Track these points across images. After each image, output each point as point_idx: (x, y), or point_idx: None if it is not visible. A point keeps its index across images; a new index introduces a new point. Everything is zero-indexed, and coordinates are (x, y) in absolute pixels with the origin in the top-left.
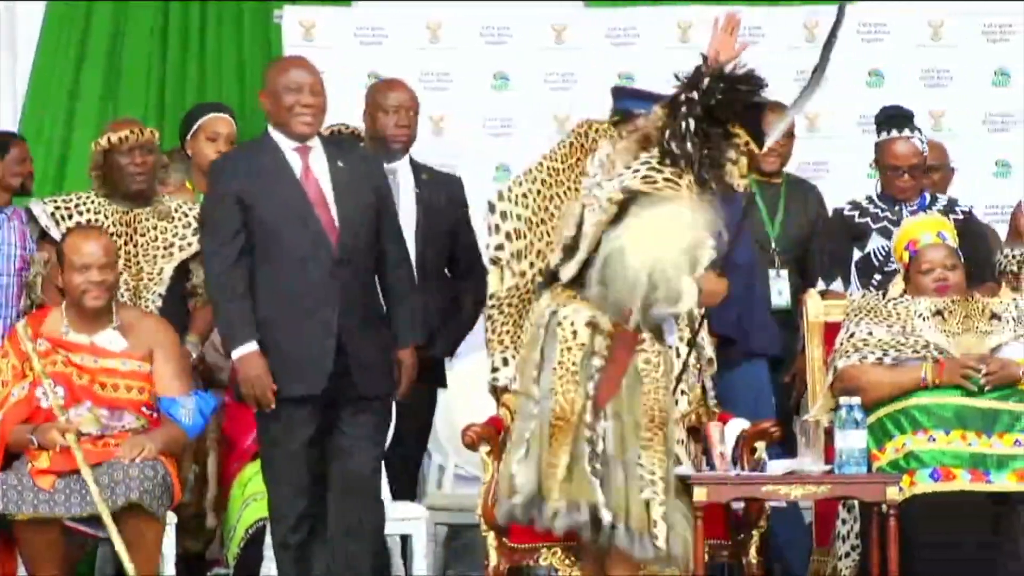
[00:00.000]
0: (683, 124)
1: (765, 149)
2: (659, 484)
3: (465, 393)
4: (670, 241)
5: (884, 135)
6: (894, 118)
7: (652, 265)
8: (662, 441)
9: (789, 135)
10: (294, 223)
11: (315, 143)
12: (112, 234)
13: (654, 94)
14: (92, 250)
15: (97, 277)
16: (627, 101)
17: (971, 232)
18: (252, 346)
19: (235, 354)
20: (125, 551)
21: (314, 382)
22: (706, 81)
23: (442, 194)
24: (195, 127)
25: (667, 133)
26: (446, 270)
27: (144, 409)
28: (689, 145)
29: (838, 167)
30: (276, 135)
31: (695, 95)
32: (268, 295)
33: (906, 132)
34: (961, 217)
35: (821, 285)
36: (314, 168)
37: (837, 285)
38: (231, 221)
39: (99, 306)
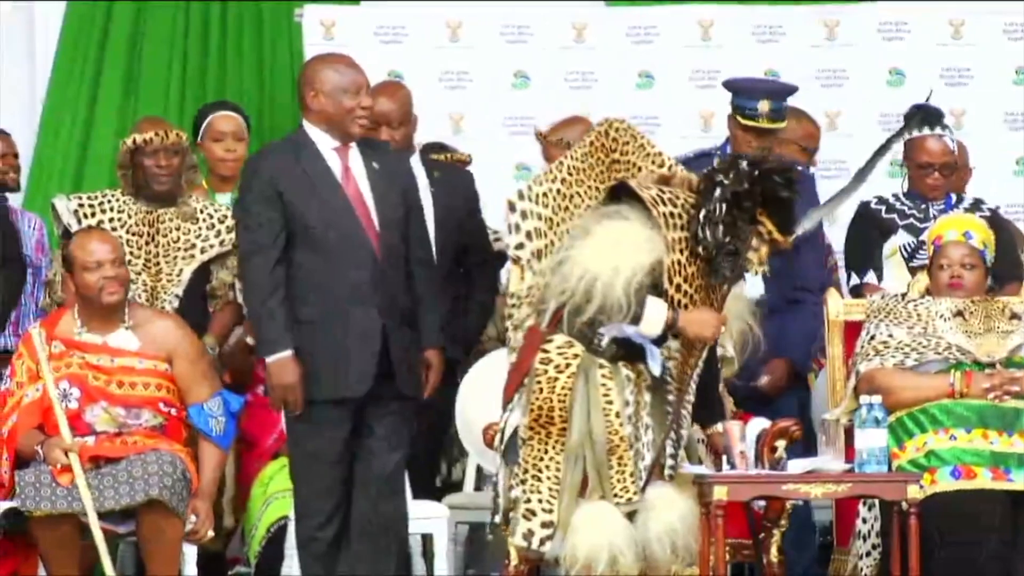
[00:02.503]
0: (715, 208)
1: (791, 241)
2: (537, 482)
3: (478, 392)
4: (616, 257)
5: (915, 132)
6: (924, 116)
7: (588, 273)
8: (544, 439)
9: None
10: (336, 224)
11: (352, 143)
12: (134, 234)
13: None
14: (102, 248)
15: (111, 272)
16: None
17: (996, 229)
18: (288, 353)
19: (270, 360)
20: (107, 554)
21: (357, 385)
22: (743, 165)
23: (453, 190)
24: (202, 128)
25: (701, 216)
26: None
27: (161, 406)
28: (720, 231)
29: (859, 165)
30: (314, 133)
31: (729, 178)
32: (309, 297)
33: (937, 130)
34: (987, 215)
35: (855, 279)
36: (353, 168)
37: (871, 278)
38: (273, 220)
39: (117, 301)
